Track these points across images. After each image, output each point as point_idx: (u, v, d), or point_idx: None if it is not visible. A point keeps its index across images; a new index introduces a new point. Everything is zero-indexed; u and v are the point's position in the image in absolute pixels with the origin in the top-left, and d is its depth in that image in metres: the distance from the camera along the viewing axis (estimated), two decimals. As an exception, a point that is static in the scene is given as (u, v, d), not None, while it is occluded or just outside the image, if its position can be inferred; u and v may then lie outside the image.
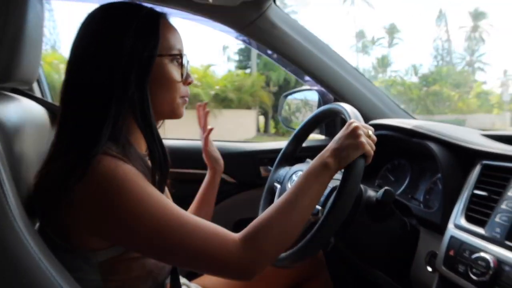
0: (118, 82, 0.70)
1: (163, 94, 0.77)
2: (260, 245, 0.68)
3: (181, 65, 0.79)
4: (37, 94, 1.37)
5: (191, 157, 1.46)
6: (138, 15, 0.74)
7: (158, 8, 0.79)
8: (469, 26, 33.72)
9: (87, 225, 0.66)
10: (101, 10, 0.76)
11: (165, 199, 0.68)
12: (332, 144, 0.79)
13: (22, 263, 0.58)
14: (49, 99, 1.42)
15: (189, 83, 0.82)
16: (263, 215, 0.72)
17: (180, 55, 0.79)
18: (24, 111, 0.78)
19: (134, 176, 0.67)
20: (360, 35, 34.22)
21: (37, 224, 0.78)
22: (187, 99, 0.82)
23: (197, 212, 1.11)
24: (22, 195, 0.62)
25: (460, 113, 21.61)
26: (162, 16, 0.78)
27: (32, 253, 0.58)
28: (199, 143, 1.13)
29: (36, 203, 0.71)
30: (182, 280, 0.86)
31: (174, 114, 0.81)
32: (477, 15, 33.18)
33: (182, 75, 0.79)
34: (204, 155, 1.13)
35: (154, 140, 0.74)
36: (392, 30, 32.93)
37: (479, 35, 33.76)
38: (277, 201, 0.74)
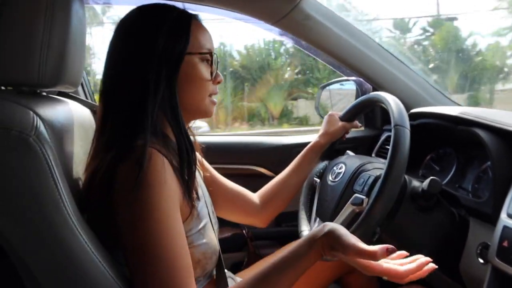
0: (151, 80, 0.72)
1: (193, 92, 0.79)
2: None
3: (211, 64, 0.81)
4: (81, 96, 1.43)
5: (234, 152, 1.47)
6: (171, 16, 0.77)
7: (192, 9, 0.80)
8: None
9: (116, 211, 0.67)
10: (137, 12, 0.79)
11: (179, 230, 0.68)
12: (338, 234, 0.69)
13: (77, 256, 0.61)
14: (93, 101, 1.47)
15: (219, 82, 0.84)
16: None
17: (210, 54, 0.80)
18: (72, 113, 0.81)
19: (170, 188, 0.68)
20: None
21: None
22: (215, 99, 0.84)
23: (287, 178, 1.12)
24: (73, 192, 0.65)
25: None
26: (194, 17, 0.80)
27: (86, 247, 0.61)
28: (239, 138, 1.12)
29: (87, 198, 0.73)
30: (227, 273, 0.88)
31: (204, 112, 0.83)
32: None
33: (211, 73, 0.81)
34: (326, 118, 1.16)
35: (182, 134, 0.76)
36: None
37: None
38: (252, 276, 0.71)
